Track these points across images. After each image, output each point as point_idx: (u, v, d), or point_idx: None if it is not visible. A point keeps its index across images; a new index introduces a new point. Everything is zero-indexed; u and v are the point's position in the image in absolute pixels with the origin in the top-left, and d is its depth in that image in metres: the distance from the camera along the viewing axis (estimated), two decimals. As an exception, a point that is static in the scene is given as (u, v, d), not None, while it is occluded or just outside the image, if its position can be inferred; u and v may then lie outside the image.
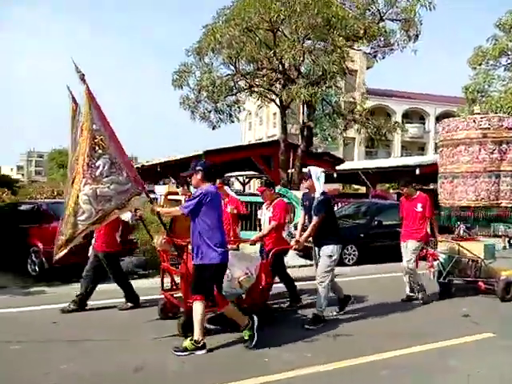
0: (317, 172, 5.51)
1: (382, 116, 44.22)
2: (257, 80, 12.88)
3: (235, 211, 6.39)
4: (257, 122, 43.51)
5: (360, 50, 13.81)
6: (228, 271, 4.59)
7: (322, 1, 10.66)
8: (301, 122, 13.72)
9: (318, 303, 5.39)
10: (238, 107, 12.95)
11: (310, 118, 13.25)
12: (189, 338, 4.26)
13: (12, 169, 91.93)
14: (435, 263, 6.78)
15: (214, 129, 13.00)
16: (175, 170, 19.74)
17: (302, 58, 11.21)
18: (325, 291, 5.33)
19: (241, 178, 29.87)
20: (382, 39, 13.54)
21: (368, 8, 13.00)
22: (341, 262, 10.09)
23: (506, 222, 12.76)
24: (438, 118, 42.95)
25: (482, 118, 6.97)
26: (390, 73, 73.65)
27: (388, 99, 44.98)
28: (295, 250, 5.75)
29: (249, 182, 29.59)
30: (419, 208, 6.50)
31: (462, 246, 6.90)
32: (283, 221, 6.08)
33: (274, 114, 36.74)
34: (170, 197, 15.76)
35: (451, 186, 7.16)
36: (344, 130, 15.30)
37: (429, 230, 6.94)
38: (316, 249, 5.57)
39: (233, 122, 12.95)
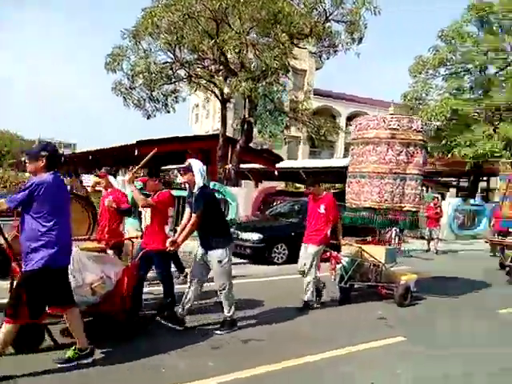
0: (199, 166, 4.92)
1: (326, 117, 45.50)
2: (198, 70, 12.44)
3: (114, 205, 5.49)
4: (204, 115, 42.78)
5: (305, 48, 13.74)
6: (79, 275, 4.05)
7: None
8: (242, 116, 13.44)
9: (225, 309, 5.05)
10: (176, 97, 12.43)
11: (250, 114, 13.03)
12: (72, 348, 3.84)
13: None
14: (338, 266, 6.59)
15: (148, 118, 12.41)
16: (108, 159, 18.84)
17: (245, 51, 10.92)
18: (228, 296, 5.00)
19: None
20: (327, 39, 13.59)
21: (315, 7, 12.96)
22: (270, 261, 10.06)
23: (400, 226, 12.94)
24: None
25: (392, 118, 6.74)
26: (342, 76, 75.26)
27: (334, 101, 45.91)
28: (169, 251, 4.86)
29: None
30: (322, 209, 6.21)
31: (363, 250, 6.79)
32: (167, 215, 5.51)
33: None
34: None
35: (358, 185, 6.93)
36: (286, 127, 15.22)
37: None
38: (200, 250, 5.01)
39: (168, 112, 12.43)
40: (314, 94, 43.32)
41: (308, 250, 6.28)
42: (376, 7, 12.77)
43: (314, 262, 6.22)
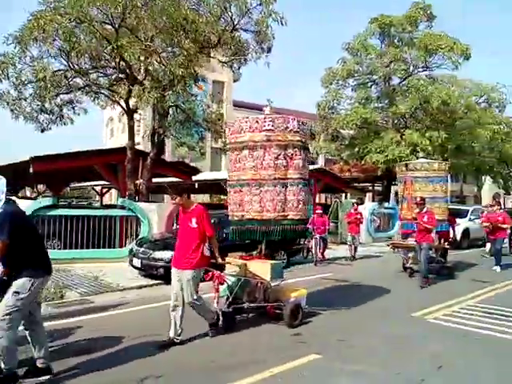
0: None
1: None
2: (100, 79, 11.55)
3: None
4: (120, 129, 40.98)
5: (215, 58, 13.41)
6: None
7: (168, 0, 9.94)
8: (151, 128, 12.74)
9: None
10: (73, 107, 11.42)
11: (160, 125, 12.37)
12: None
13: None
14: (222, 288, 5.82)
15: (43, 131, 11.24)
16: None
17: (149, 59, 10.29)
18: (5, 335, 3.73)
19: (98, 188, 27.41)
20: (236, 49, 13.35)
21: (222, 16, 12.70)
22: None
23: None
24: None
25: (265, 118, 6.10)
26: (265, 88, 76.82)
27: (257, 112, 46.36)
28: None
29: (106, 192, 27.26)
30: (193, 223, 5.25)
31: (247, 267, 6.10)
32: None
33: (138, 120, 34.95)
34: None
35: (239, 195, 6.22)
36: (201, 139, 14.72)
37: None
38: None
39: (65, 124, 11.37)
40: (235, 106, 43.65)
41: (182, 277, 5.20)
42: (282, 18, 12.81)
43: (190, 291, 5.16)
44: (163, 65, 10.89)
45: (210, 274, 5.63)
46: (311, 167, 21.09)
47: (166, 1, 10.39)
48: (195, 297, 5.22)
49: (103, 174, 13.76)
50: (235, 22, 12.66)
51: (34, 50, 9.92)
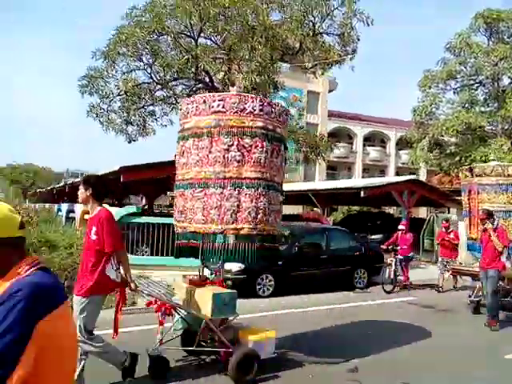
0: None
1: (341, 138, 44.83)
2: (179, 89, 11.89)
3: None
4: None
5: (294, 64, 13.08)
6: None
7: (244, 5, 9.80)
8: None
9: None
10: (156, 119, 11.84)
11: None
12: None
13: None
14: (175, 319, 4.68)
15: (130, 142, 11.81)
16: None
17: (224, 67, 10.30)
18: None
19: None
20: (318, 54, 12.85)
21: (304, 21, 12.31)
22: (254, 294, 9.02)
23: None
24: (398, 143, 43.46)
25: (215, 96, 4.58)
26: (356, 97, 74.72)
27: (350, 122, 45.21)
28: None
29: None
30: (93, 235, 3.94)
31: (192, 294, 4.68)
32: None
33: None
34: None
35: (183, 200, 4.64)
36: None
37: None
38: None
39: (147, 134, 11.82)
40: (330, 116, 42.90)
41: (75, 307, 3.88)
42: (368, 17, 12.06)
43: (81, 325, 3.83)
44: (241, 72, 10.82)
45: (154, 301, 4.57)
46: (403, 178, 19.68)
47: (241, 8, 10.25)
48: (85, 335, 3.84)
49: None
50: (316, 26, 12.21)
51: (122, 64, 10.47)
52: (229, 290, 4.91)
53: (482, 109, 19.97)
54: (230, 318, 4.78)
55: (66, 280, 8.37)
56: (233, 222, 4.40)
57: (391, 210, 31.05)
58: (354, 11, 11.61)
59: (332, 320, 7.07)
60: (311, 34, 12.02)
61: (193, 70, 10.04)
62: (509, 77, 18.87)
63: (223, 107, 4.46)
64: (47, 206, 21.74)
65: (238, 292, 9.10)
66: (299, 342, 5.80)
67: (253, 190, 4.47)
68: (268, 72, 10.32)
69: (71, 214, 16.32)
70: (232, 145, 4.43)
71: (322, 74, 14.04)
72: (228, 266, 9.34)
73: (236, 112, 4.47)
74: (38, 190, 31.01)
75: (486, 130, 19.65)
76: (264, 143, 4.54)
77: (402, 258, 10.67)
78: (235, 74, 11.55)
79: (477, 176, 8.72)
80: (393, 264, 10.43)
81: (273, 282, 9.35)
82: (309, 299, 9.01)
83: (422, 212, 30.35)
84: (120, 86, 10.04)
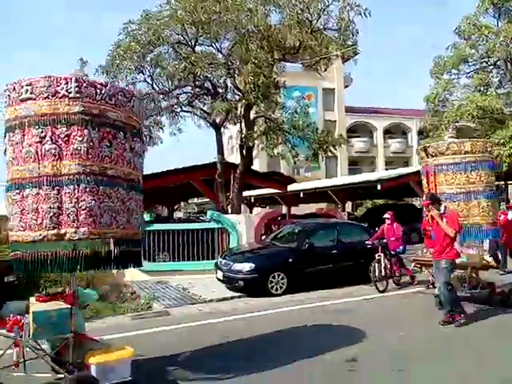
0: None
1: (362, 133, 44.38)
2: (181, 96, 12.18)
3: None
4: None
5: (295, 62, 13.15)
6: None
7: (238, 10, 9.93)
8: (239, 139, 12.93)
9: None
10: (161, 128, 12.13)
11: (246, 136, 12.44)
12: None
13: None
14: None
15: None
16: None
17: (218, 71, 10.51)
18: None
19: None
20: (318, 50, 12.83)
21: (300, 19, 12.34)
22: (266, 292, 9.07)
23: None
24: (421, 132, 42.68)
25: (23, 81, 3.95)
26: (371, 91, 73.51)
27: (369, 116, 44.75)
28: None
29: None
30: None
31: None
32: None
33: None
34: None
35: (8, 206, 4.04)
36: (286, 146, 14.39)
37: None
38: None
39: (155, 143, 12.14)
40: (347, 112, 42.55)
41: None
42: (366, 9, 11.97)
43: None
44: (234, 75, 11.03)
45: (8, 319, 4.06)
46: (408, 170, 19.12)
47: (234, 12, 10.41)
48: None
49: (200, 188, 14.36)
50: (314, 23, 12.22)
51: (124, 78, 10.77)
52: (63, 306, 4.16)
53: (498, 91, 19.44)
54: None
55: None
56: (54, 227, 3.78)
57: (418, 202, 30.47)
58: (349, 4, 11.57)
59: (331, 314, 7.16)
60: (309, 31, 12.04)
61: (191, 77, 10.27)
62: (523, 56, 18.33)
63: (32, 93, 3.88)
64: None
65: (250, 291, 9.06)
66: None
67: (73, 186, 3.84)
68: (266, 73, 10.42)
69: None
70: (45, 136, 3.83)
71: (325, 70, 14.00)
72: (239, 266, 9.54)
73: (47, 97, 3.86)
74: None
75: (504, 112, 19.08)
76: (85, 131, 3.91)
77: (392, 253, 9.58)
78: (234, 78, 11.74)
79: (432, 156, 7.61)
80: (381, 260, 9.27)
81: (285, 280, 9.36)
82: (318, 295, 8.97)
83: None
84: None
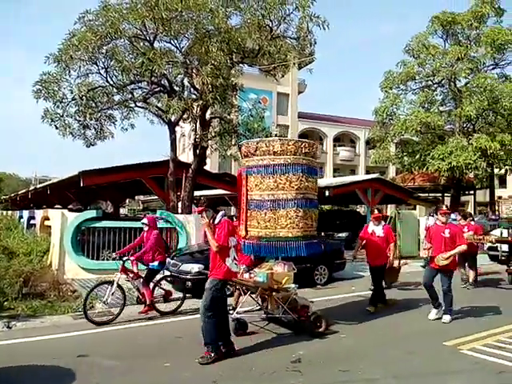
0: None
1: (313, 139, 45.37)
2: (136, 91, 11.94)
3: None
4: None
5: (253, 66, 13.27)
6: None
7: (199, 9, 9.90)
8: (192, 139, 12.84)
9: None
10: (113, 122, 11.80)
11: (201, 136, 12.38)
12: None
13: None
14: None
15: (88, 147, 11.73)
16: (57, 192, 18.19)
17: (176, 70, 10.40)
18: None
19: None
20: (277, 57, 13.05)
21: (260, 24, 12.51)
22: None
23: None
24: (368, 142, 44.36)
25: None
26: (325, 99, 75.53)
27: (320, 123, 45.86)
28: None
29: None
30: None
31: None
32: None
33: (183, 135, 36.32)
34: (46, 222, 14.31)
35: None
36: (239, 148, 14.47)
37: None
38: None
39: (105, 138, 11.79)
40: (300, 117, 43.40)
41: None
42: (324, 21, 12.31)
43: None
44: (192, 75, 10.97)
45: None
46: (367, 177, 20.14)
47: (195, 12, 10.37)
48: None
49: (149, 186, 14.10)
50: (274, 30, 12.41)
51: (76, 68, 10.39)
52: None
53: (441, 108, 20.67)
54: None
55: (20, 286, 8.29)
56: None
57: (362, 209, 31.62)
58: (309, 15, 11.85)
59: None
60: (269, 37, 12.21)
61: (147, 73, 10.09)
62: (464, 77, 19.59)
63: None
64: (9, 213, 21.32)
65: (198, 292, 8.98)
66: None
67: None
68: (224, 74, 10.46)
69: (32, 221, 16.07)
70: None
71: (282, 76, 14.26)
72: (188, 267, 9.47)
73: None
74: (2, 197, 30.29)
75: (445, 128, 20.34)
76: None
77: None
78: (192, 77, 11.67)
79: (245, 157, 6.53)
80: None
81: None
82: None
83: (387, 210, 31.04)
84: (74, 91, 9.98)
